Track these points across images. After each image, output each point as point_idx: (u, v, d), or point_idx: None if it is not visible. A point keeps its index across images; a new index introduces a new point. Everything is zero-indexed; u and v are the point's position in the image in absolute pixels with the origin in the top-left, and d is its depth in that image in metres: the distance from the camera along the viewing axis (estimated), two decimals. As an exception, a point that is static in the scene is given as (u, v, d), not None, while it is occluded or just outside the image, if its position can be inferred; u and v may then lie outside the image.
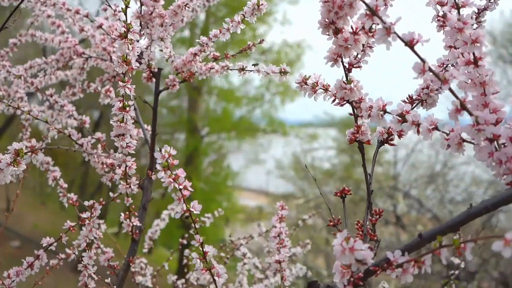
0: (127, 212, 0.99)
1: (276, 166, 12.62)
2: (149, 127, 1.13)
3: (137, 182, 0.94)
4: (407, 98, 0.71)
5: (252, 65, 0.97)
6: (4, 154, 0.69)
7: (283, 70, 0.86)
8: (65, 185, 1.13)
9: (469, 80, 0.57)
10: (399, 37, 0.52)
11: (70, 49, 1.22)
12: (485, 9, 0.77)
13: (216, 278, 0.66)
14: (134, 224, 1.00)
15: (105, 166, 1.05)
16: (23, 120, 1.28)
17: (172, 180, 0.64)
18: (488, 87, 0.55)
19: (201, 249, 0.67)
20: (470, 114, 0.53)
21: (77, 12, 1.13)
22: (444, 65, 0.71)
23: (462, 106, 0.53)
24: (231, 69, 0.99)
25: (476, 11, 0.77)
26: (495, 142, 0.53)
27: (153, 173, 1.01)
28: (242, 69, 0.97)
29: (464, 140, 0.56)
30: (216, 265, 0.67)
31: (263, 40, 1.03)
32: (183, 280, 1.38)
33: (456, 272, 1.09)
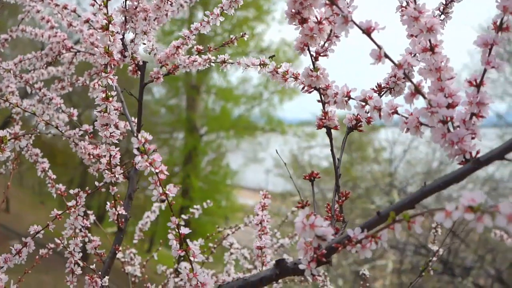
0: (112, 201, 1.02)
1: (275, 165, 12.64)
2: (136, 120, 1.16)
3: (122, 171, 0.97)
4: (375, 86, 0.74)
5: (257, 63, 0.97)
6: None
7: (262, 62, 0.89)
8: (54, 176, 1.16)
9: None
10: (356, 25, 0.55)
11: (59, 43, 1.25)
12: (452, 0, 0.80)
13: (192, 258, 0.69)
14: (120, 213, 1.03)
15: (91, 157, 1.08)
16: (14, 114, 1.31)
17: (148, 164, 0.67)
18: (443, 73, 0.58)
19: (177, 230, 0.70)
20: (424, 97, 0.56)
21: (64, 7, 1.16)
22: (412, 54, 0.74)
23: (416, 90, 0.56)
24: (213, 62, 1.02)
25: (444, 2, 0.80)
26: (449, 124, 0.56)
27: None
28: (223, 62, 1.00)
29: (421, 124, 0.59)
30: (191, 245, 0.70)
31: (245, 33, 1.06)
32: (171, 270, 1.41)
33: (434, 259, 1.12)
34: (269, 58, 0.87)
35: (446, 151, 0.56)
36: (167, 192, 0.68)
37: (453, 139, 0.55)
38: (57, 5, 1.16)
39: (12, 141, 0.72)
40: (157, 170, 0.67)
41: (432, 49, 0.58)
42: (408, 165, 7.18)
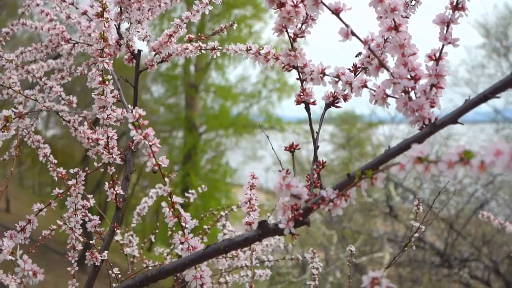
0: (111, 182, 1.08)
1: (274, 162, 12.71)
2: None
3: (119, 152, 1.04)
4: (351, 66, 0.81)
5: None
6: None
7: (249, 48, 0.95)
8: (55, 161, 1.22)
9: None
10: (326, 6, 0.61)
11: (58, 35, 1.31)
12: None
13: (183, 224, 0.76)
14: (118, 192, 1.09)
15: (90, 141, 1.14)
16: (16, 103, 1.37)
17: (142, 138, 0.73)
18: (406, 49, 0.64)
19: (169, 199, 0.76)
20: (388, 70, 0.62)
21: (63, 0, 1.22)
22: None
23: (380, 64, 0.63)
24: (204, 49, 1.09)
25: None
26: (410, 94, 0.62)
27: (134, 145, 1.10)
28: (213, 48, 1.06)
29: (387, 95, 0.65)
30: (183, 212, 0.76)
31: (234, 22, 1.12)
32: (167, 251, 1.47)
33: (416, 235, 1.18)
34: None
35: (407, 118, 0.62)
36: (160, 162, 0.74)
37: (413, 107, 0.61)
38: (56, -2, 1.22)
39: (16, 120, 0.78)
40: (150, 143, 0.74)
41: (396, 28, 0.64)
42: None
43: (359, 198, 7.22)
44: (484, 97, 0.56)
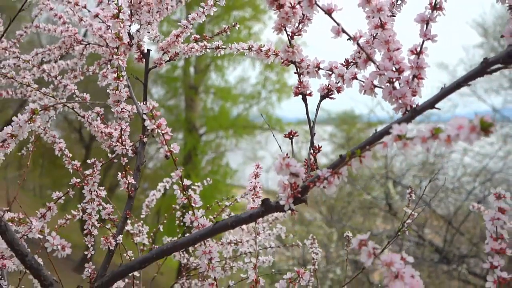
0: (123, 172, 1.16)
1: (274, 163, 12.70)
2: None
3: (132, 144, 1.12)
4: (344, 61, 0.89)
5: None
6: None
7: (251, 46, 1.04)
8: (70, 154, 1.30)
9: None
10: (319, 7, 0.70)
11: (70, 37, 1.39)
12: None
13: (193, 204, 0.84)
14: (130, 182, 1.17)
15: (103, 134, 1.23)
16: (31, 101, 1.45)
17: (156, 127, 0.82)
18: (391, 44, 0.73)
19: (180, 182, 0.85)
20: (374, 63, 0.71)
21: (76, 3, 1.30)
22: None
23: (368, 58, 0.71)
24: (208, 48, 1.17)
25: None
26: (395, 84, 0.71)
27: (145, 137, 1.18)
28: (218, 47, 1.15)
29: (375, 86, 0.74)
30: (192, 194, 0.84)
31: (236, 23, 1.20)
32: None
33: (409, 221, 1.26)
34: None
35: (392, 105, 0.71)
36: (171, 149, 0.83)
37: (397, 95, 0.70)
38: (69, 2, 1.31)
39: (42, 112, 0.87)
40: (163, 132, 0.82)
41: (382, 26, 0.73)
42: (404, 157, 7.33)
43: (358, 196, 7.32)
44: (457, 85, 0.64)
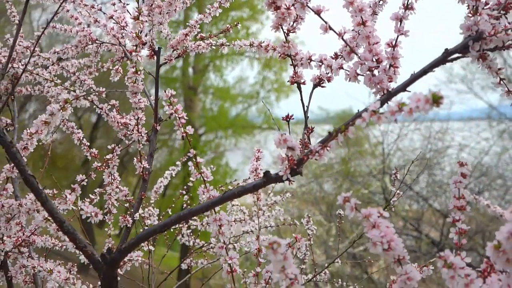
0: (139, 157, 1.30)
1: (274, 162, 12.88)
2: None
3: (147, 132, 1.26)
4: (333, 54, 1.03)
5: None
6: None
7: (251, 43, 1.17)
8: (88, 143, 1.44)
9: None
10: (310, 8, 0.83)
11: (85, 37, 1.53)
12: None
13: (205, 179, 0.98)
14: (144, 166, 1.31)
15: (119, 124, 1.36)
16: (49, 97, 1.59)
17: (173, 112, 0.96)
18: (371, 39, 0.86)
19: (195, 160, 0.98)
20: (357, 54, 0.84)
21: (92, 6, 1.44)
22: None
23: (351, 50, 0.85)
24: (213, 45, 1.31)
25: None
26: (374, 72, 0.85)
27: (158, 125, 1.32)
28: (222, 45, 1.29)
29: (358, 74, 0.88)
30: (204, 170, 0.98)
31: (238, 23, 1.34)
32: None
33: (395, 199, 1.39)
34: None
35: (371, 89, 0.85)
36: (187, 131, 0.96)
37: (376, 81, 0.84)
38: (85, 5, 1.44)
39: (74, 101, 1.00)
40: (179, 116, 0.96)
41: (363, 23, 0.87)
42: (401, 153, 7.49)
43: (356, 192, 7.47)
44: (424, 72, 0.78)
